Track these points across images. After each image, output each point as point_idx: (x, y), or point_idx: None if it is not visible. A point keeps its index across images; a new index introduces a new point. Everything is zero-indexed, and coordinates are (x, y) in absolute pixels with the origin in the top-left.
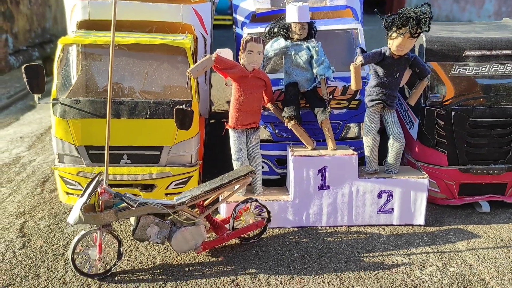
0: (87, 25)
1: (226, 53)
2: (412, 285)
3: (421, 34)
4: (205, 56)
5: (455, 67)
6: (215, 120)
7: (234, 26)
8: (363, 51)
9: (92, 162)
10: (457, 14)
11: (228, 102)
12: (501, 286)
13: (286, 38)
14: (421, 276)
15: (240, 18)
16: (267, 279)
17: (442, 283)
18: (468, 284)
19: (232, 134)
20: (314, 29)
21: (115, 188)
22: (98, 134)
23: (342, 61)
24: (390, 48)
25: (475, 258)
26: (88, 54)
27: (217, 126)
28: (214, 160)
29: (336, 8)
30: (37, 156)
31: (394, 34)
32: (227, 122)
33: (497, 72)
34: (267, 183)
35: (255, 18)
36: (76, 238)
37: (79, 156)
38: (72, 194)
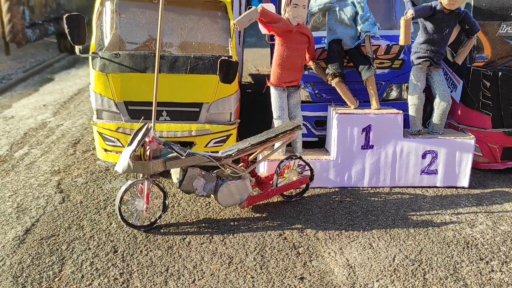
0: None
1: (270, 7)
2: (464, 241)
3: None
4: (250, 8)
5: (503, 26)
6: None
7: None
8: (413, 4)
9: (131, 118)
10: None
11: (250, 75)
12: None
13: None
14: (472, 233)
15: None
16: (315, 233)
17: (494, 240)
18: None
19: (273, 92)
20: None
21: None
22: (138, 89)
23: (386, 19)
24: (441, 2)
25: None
26: (127, 7)
27: (244, 98)
28: (248, 125)
29: None
30: (64, 121)
31: None
32: (268, 79)
33: None
34: (305, 145)
35: None
36: (123, 188)
37: (118, 112)
38: (111, 151)
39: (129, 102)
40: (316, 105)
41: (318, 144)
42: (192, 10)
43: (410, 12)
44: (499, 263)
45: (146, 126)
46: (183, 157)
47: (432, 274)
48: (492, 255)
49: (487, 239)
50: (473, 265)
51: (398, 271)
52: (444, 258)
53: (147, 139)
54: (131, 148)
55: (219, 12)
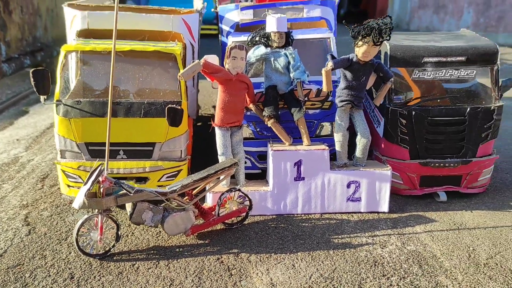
0: (85, 33)
1: (213, 59)
2: (373, 261)
3: (386, 42)
4: (194, 61)
5: (415, 72)
6: (201, 123)
7: (220, 35)
8: (333, 57)
9: (91, 157)
10: (437, 25)
11: (214, 107)
12: (449, 260)
13: (266, 46)
14: (382, 253)
15: (225, 27)
16: (249, 257)
17: (399, 258)
18: (422, 259)
19: (218, 132)
20: (291, 37)
21: None
22: (97, 131)
23: (316, 67)
24: (356, 55)
25: (430, 238)
26: (88, 59)
27: (204, 128)
28: (201, 157)
29: (312, 19)
30: (35, 156)
31: (360, 43)
32: (213, 120)
33: (452, 76)
34: (249, 177)
35: (239, 28)
36: (80, 221)
37: (80, 151)
38: (73, 186)
39: (89, 143)
40: (258, 142)
41: (262, 175)
42: (146, 61)
43: (329, 64)
44: (398, 278)
45: (100, 167)
46: (132, 194)
47: None
48: (394, 272)
49: (393, 258)
50: (376, 280)
51: (311, 287)
52: (353, 275)
53: (100, 179)
54: (86, 187)
55: (170, 62)
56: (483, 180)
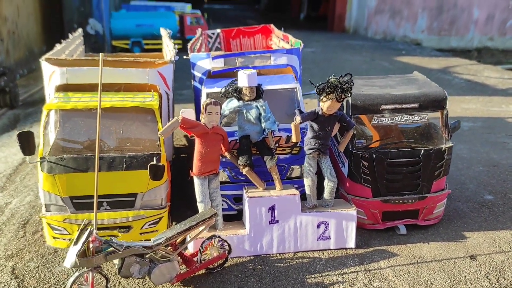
0: (64, 88)
1: (189, 113)
2: None
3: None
4: (172, 119)
5: (375, 118)
6: (175, 156)
7: (192, 80)
8: (301, 112)
9: (76, 210)
10: (393, 30)
11: (185, 136)
12: None
13: (239, 99)
14: None
15: (197, 74)
16: None
17: None
18: None
19: (196, 181)
20: (261, 90)
21: (98, 232)
22: (81, 185)
23: (285, 114)
24: (322, 109)
25: (393, 274)
26: (69, 117)
27: (179, 160)
28: (184, 187)
29: (279, 66)
30: (12, 199)
31: (324, 99)
32: (191, 170)
33: (407, 121)
34: (226, 218)
35: (211, 75)
36: (71, 279)
37: (65, 205)
38: (59, 238)
39: (74, 196)
40: (233, 185)
41: (238, 216)
42: (126, 115)
43: (298, 119)
44: None
45: (89, 230)
46: (121, 251)
47: None
48: None
49: None
50: None
51: None
52: None
53: (90, 239)
54: (77, 248)
55: (149, 116)
56: (438, 212)
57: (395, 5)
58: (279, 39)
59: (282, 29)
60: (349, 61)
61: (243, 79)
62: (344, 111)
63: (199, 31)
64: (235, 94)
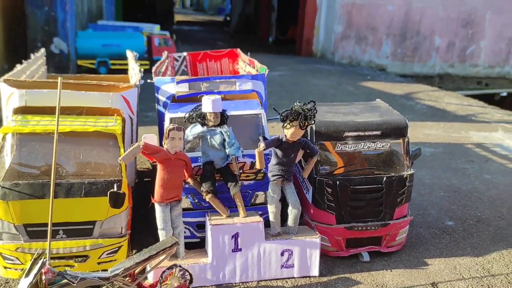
0: (23, 110)
1: (151, 138)
2: None
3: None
4: (133, 144)
5: (338, 145)
6: (138, 180)
7: (156, 104)
8: (264, 138)
9: (30, 238)
10: (359, 55)
11: (149, 160)
12: None
13: (203, 124)
14: None
15: (161, 98)
16: None
17: None
18: None
19: (157, 207)
20: (226, 116)
21: (52, 261)
22: (36, 213)
23: (249, 140)
24: (285, 135)
25: None
26: (26, 141)
27: (142, 184)
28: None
29: (244, 92)
30: None
31: (288, 126)
32: (153, 197)
33: (370, 148)
34: (189, 245)
35: (175, 99)
36: None
37: (18, 233)
38: (10, 268)
39: (28, 224)
40: (196, 212)
41: (201, 243)
42: (87, 140)
43: (262, 145)
44: None
45: (42, 261)
46: (75, 284)
47: None
48: None
49: None
50: None
51: None
52: None
53: (43, 270)
54: (29, 280)
55: (110, 141)
56: (400, 238)
57: (360, 31)
58: (245, 63)
59: (249, 53)
60: (316, 85)
61: (208, 104)
62: (309, 138)
63: (165, 53)
64: (199, 120)
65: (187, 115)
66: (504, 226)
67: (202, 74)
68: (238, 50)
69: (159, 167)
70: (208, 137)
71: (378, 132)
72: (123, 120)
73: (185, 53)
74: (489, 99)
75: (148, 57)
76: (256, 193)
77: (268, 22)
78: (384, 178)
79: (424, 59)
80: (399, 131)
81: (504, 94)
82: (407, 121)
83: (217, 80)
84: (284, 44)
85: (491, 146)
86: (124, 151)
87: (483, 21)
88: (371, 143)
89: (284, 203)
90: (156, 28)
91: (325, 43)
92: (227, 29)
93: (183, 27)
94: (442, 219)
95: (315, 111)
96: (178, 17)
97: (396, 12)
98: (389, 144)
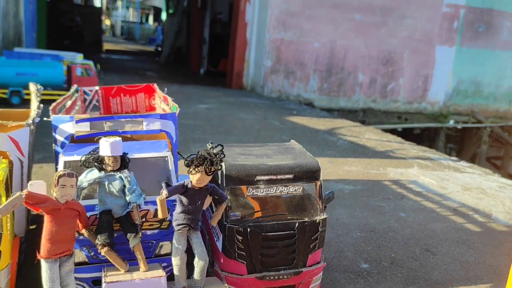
0: None
1: (39, 186)
2: None
3: (221, 162)
4: (14, 194)
5: (249, 189)
6: (36, 226)
7: (54, 144)
8: (168, 185)
9: None
10: (288, 89)
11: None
12: None
13: (100, 169)
14: None
15: (59, 138)
16: None
17: None
18: None
19: (44, 264)
20: (127, 160)
21: None
22: None
23: (154, 185)
24: (191, 181)
25: None
26: None
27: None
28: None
29: (152, 132)
30: None
31: (193, 171)
32: (39, 252)
33: (282, 193)
34: None
35: (74, 139)
36: None
37: None
38: None
39: None
40: (92, 267)
41: None
42: None
43: (164, 193)
44: None
45: None
46: None
47: None
48: None
49: None
50: None
51: None
52: None
53: None
54: None
55: None
56: (314, 286)
57: (289, 66)
58: (160, 100)
59: (165, 90)
60: (242, 119)
61: (106, 147)
62: (219, 181)
63: (74, 87)
64: (96, 164)
65: (83, 159)
66: (416, 267)
67: (116, 110)
68: (155, 85)
69: (46, 218)
70: (106, 183)
71: (290, 176)
72: (11, 163)
73: (97, 87)
74: (409, 133)
75: (68, 88)
76: (160, 243)
77: (199, 54)
78: (297, 224)
79: (348, 94)
80: (312, 175)
81: (451, 123)
82: (319, 164)
83: (122, 119)
84: (215, 76)
85: (407, 182)
86: (7, 199)
87: (401, 60)
88: (284, 187)
89: (191, 254)
90: (78, 57)
91: (255, 77)
92: (157, 60)
93: (112, 56)
94: (358, 262)
95: (222, 155)
96: (107, 46)
97: (322, 49)
98: (301, 187)
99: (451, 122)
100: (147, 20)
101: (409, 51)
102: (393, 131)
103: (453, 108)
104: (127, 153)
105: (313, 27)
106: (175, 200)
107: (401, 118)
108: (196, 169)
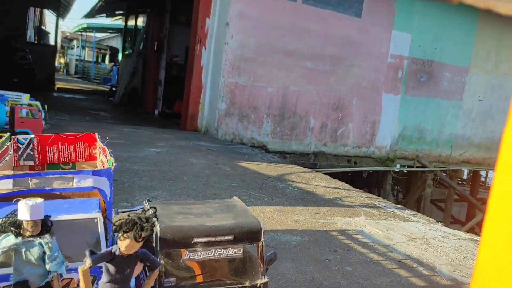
0: None
1: None
2: None
3: (157, 222)
4: None
5: (186, 253)
6: None
7: None
8: (92, 253)
9: None
10: (242, 131)
11: None
12: None
13: (17, 234)
14: None
15: None
16: None
17: None
18: None
19: None
20: (50, 223)
21: None
22: None
23: (81, 250)
24: (119, 248)
25: None
26: None
27: None
28: None
29: (83, 190)
30: None
31: (122, 237)
32: None
33: (221, 255)
34: None
35: None
36: None
37: None
38: None
39: None
40: None
41: None
42: None
43: (88, 262)
44: None
45: None
46: None
47: None
48: None
49: None
50: None
51: None
52: None
53: None
54: None
55: None
56: None
57: (243, 109)
58: (99, 150)
59: (107, 141)
60: (192, 164)
61: (25, 211)
62: (154, 244)
63: (6, 135)
64: (12, 229)
65: None
66: None
67: (52, 159)
68: (96, 134)
69: None
70: (23, 250)
71: (230, 237)
72: None
73: (32, 135)
74: (359, 176)
75: (10, 130)
76: None
77: (154, 96)
78: None
79: (300, 138)
80: (253, 235)
81: (398, 167)
82: (261, 224)
83: (50, 176)
84: (170, 117)
85: (354, 233)
86: None
87: (350, 106)
88: (223, 250)
89: None
90: (25, 97)
91: (210, 119)
92: (111, 99)
93: (65, 94)
94: None
95: (154, 219)
96: (60, 84)
97: (275, 93)
98: (241, 249)
99: (398, 166)
100: (103, 59)
101: (357, 98)
102: (343, 174)
103: (399, 153)
104: (49, 216)
105: (266, 73)
106: (101, 266)
107: (350, 161)
108: (125, 235)
